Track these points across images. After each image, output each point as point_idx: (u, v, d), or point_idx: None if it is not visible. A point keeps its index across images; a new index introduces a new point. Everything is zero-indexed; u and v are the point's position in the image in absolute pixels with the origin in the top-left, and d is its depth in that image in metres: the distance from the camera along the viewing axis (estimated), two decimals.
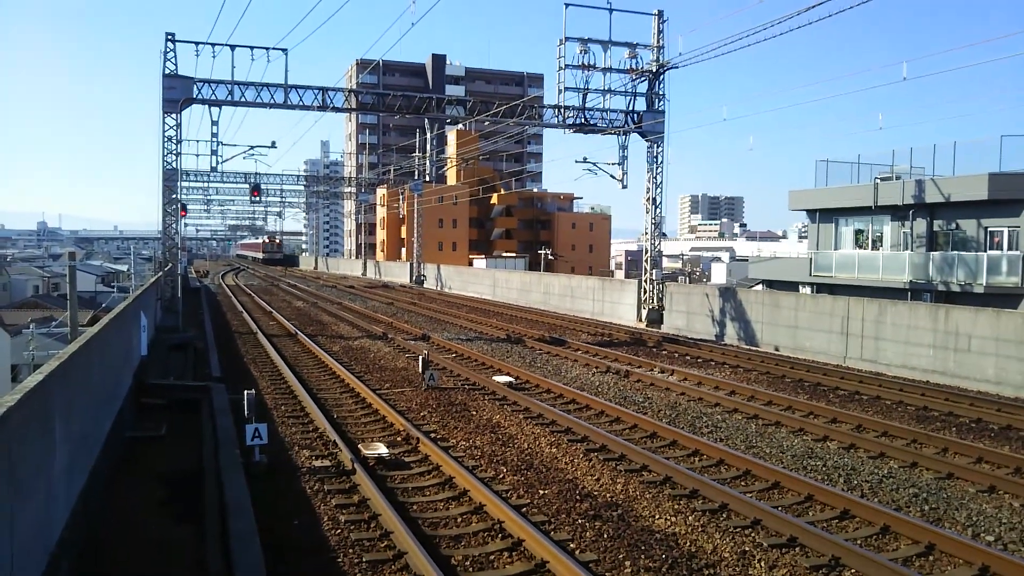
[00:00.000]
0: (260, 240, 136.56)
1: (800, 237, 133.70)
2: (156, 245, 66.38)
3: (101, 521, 9.10)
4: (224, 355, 22.11)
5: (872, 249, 35.46)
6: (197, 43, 29.12)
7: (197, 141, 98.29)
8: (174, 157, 29.57)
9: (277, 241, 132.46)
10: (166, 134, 29.28)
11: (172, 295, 30.24)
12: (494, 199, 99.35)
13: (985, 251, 30.24)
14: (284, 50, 29.75)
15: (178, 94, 28.80)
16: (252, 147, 35.36)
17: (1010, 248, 29.69)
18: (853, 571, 8.11)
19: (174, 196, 30.29)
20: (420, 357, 18.91)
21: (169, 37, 29.06)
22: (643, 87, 31.98)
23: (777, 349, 25.39)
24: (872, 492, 10.78)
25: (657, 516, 9.69)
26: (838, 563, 8.26)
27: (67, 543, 7.58)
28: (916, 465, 12.07)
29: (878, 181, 34.92)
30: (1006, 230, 29.97)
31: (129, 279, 56.59)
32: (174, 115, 29.15)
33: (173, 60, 28.96)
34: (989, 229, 30.60)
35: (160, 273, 32.15)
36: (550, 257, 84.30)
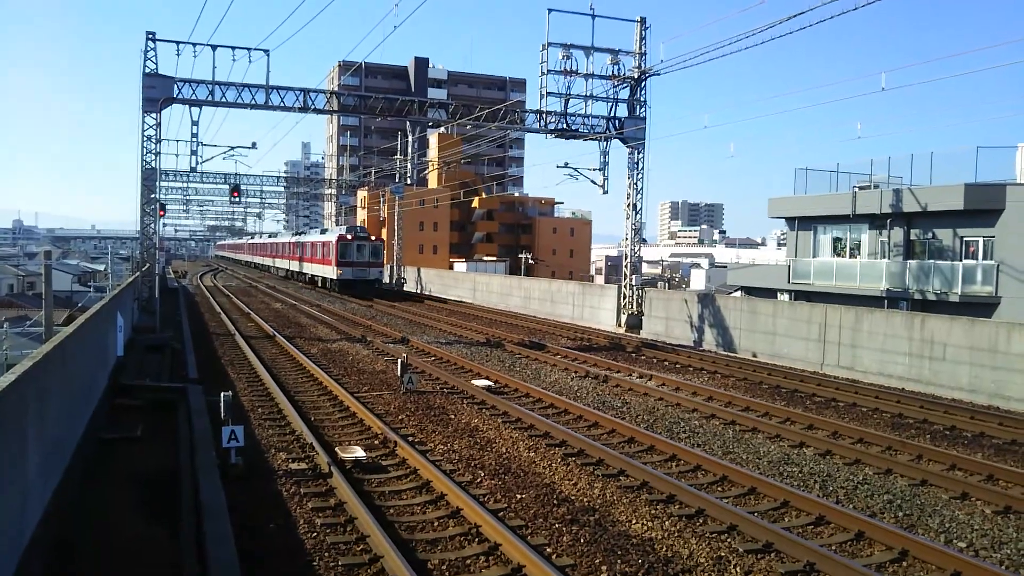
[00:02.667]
0: (327, 235, 56.29)
1: (779, 244, 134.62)
2: (134, 245, 65.90)
3: (74, 522, 9.01)
4: (201, 356, 21.94)
5: (850, 257, 35.77)
6: (178, 42, 28.94)
7: (177, 141, 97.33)
8: (153, 156, 29.33)
9: (373, 238, 54.65)
10: (146, 133, 29.05)
11: (150, 295, 29.97)
12: (475, 203, 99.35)
13: (961, 260, 30.58)
14: (266, 51, 29.61)
15: (158, 93, 28.59)
16: (232, 148, 35.12)
17: (985, 258, 30.04)
18: None
19: (153, 196, 30.05)
20: (399, 360, 18.85)
21: (150, 36, 28.84)
22: (625, 93, 32.12)
23: (755, 355, 25.54)
24: (847, 498, 10.87)
25: (634, 521, 9.72)
26: (813, 568, 8.31)
27: (39, 543, 7.50)
28: (891, 472, 12.18)
29: (856, 190, 35.25)
30: (981, 240, 30.33)
31: (106, 279, 56.05)
32: (154, 114, 28.93)
33: (154, 59, 28.74)
34: (965, 239, 30.95)
35: (138, 273, 31.88)
36: (531, 261, 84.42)
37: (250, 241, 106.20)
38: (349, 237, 51.23)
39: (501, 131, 40.17)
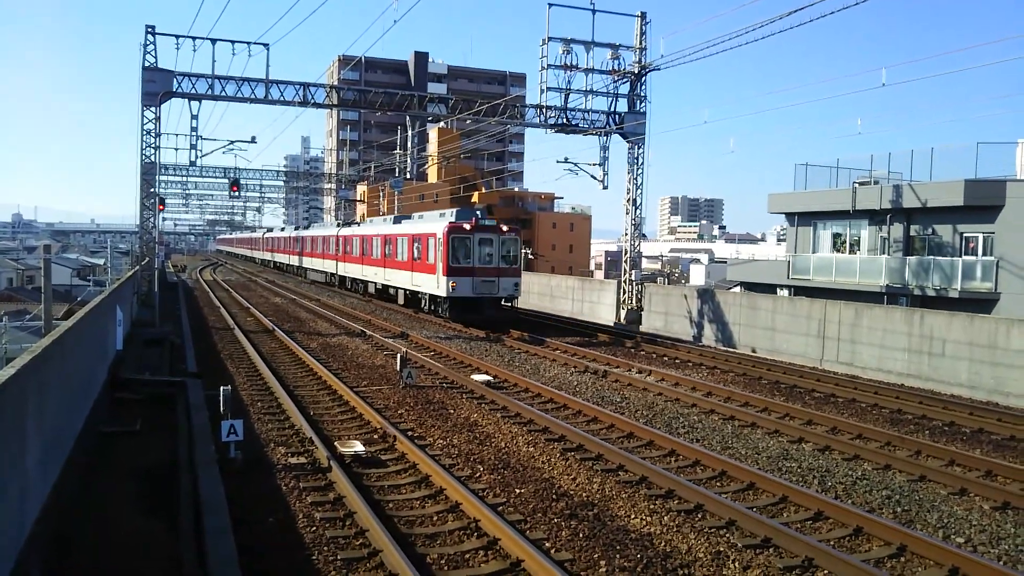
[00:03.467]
0: (423, 222, 34.39)
1: (779, 240, 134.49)
2: (133, 239, 65.82)
3: (74, 516, 9.01)
4: (200, 350, 21.96)
5: (850, 253, 35.73)
6: (178, 36, 28.83)
7: (176, 135, 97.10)
8: (153, 151, 29.27)
9: (505, 228, 31.30)
10: (145, 127, 29.00)
11: (149, 289, 29.97)
12: (475, 198, 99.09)
13: (960, 256, 30.55)
14: (266, 45, 29.53)
15: (158, 87, 28.53)
16: (232, 142, 35.24)
17: (985, 254, 30.02)
18: (826, 572, 8.17)
19: (152, 190, 30.01)
20: (398, 355, 18.85)
21: (149, 30, 28.77)
22: (625, 88, 32.07)
23: (754, 351, 25.54)
24: (846, 494, 10.88)
25: (633, 516, 9.72)
26: (811, 564, 8.32)
27: (39, 537, 7.50)
28: (889, 467, 12.19)
29: (856, 186, 35.21)
30: (981, 236, 30.30)
31: (105, 273, 56.00)
32: (153, 108, 28.86)
33: (153, 53, 28.67)
34: (965, 234, 30.93)
35: (137, 267, 31.87)
36: (530, 256, 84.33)
37: (267, 234, 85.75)
38: (467, 227, 30.43)
39: (501, 126, 40.12)
